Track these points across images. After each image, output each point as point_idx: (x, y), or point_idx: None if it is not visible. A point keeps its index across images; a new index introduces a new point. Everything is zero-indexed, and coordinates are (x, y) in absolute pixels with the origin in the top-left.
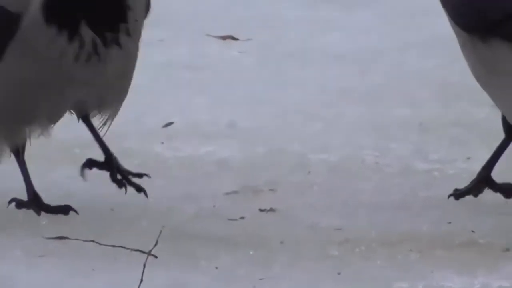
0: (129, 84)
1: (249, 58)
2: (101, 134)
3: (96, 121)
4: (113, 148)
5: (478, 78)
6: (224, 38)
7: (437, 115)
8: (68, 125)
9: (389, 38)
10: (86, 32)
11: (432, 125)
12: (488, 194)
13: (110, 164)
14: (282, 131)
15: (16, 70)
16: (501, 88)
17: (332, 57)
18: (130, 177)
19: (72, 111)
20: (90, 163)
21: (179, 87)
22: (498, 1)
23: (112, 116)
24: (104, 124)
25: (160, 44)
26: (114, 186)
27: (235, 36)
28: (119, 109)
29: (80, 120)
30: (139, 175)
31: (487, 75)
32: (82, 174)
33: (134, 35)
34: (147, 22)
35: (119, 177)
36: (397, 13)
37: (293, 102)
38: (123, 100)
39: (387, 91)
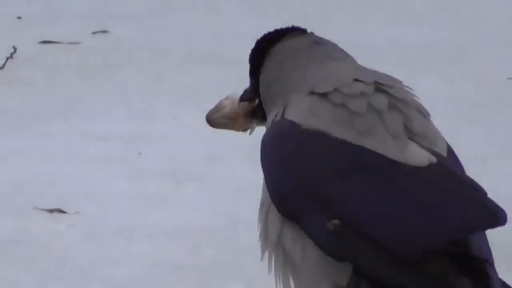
0: None
1: (77, 232)
2: None
3: None
4: None
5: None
6: (51, 211)
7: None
8: None
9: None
10: None
11: None
12: None
13: None
14: None
15: None
16: None
17: (162, 233)
18: None
19: None
20: None
21: (2, 263)
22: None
23: None
24: None
25: None
26: None
27: (63, 209)
28: None
29: None
30: None
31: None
32: None
33: None
34: None
35: None
36: (225, 188)
37: (121, 278)
38: None
39: (220, 266)
